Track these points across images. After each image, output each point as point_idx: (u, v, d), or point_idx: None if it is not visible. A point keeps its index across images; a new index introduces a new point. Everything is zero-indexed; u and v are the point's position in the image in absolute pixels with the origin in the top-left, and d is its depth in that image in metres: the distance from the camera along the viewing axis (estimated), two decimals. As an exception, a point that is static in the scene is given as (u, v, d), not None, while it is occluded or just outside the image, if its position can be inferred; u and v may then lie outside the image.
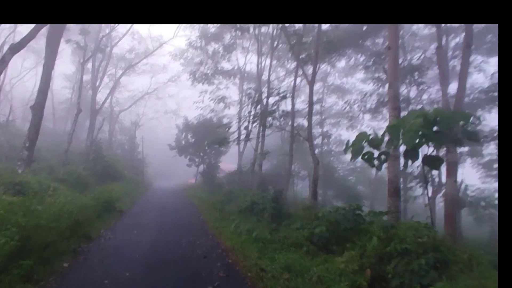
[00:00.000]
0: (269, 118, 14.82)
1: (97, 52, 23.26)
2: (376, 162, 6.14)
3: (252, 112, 16.27)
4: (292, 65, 27.61)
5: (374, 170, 30.00)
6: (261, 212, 11.57)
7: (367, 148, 6.35)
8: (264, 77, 24.56)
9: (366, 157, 6.36)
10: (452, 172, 10.70)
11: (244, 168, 20.95)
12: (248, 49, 27.27)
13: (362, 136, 6.34)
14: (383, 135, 5.85)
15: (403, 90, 18.91)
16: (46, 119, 34.15)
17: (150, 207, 15.02)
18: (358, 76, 28.76)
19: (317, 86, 30.88)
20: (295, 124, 17.13)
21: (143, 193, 22.37)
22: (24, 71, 34.46)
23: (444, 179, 17.66)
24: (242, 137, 19.07)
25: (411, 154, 5.21)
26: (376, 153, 6.38)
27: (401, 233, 5.58)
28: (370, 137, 6.28)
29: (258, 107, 17.79)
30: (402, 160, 9.28)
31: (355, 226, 6.73)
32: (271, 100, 18.41)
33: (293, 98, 15.12)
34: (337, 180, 27.60)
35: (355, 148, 6.30)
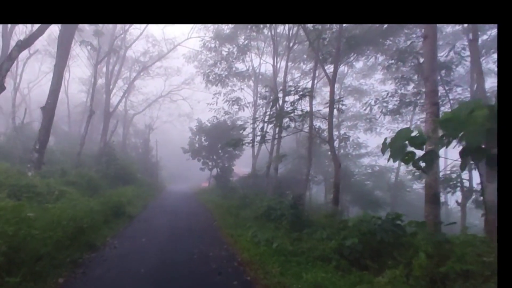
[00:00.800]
0: (286, 119, 13.84)
1: (111, 53, 22.81)
2: (422, 163, 5.09)
3: (268, 113, 15.33)
4: (308, 66, 26.74)
5: (393, 175, 28.80)
6: (279, 219, 10.61)
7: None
8: (279, 78, 23.71)
9: (407, 157, 5.35)
10: (493, 176, 9.52)
11: (259, 172, 19.96)
12: (263, 51, 26.46)
13: (403, 133, 5.31)
14: (434, 130, 4.81)
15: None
16: (62, 122, 34.30)
17: (162, 211, 14.24)
18: (377, 77, 27.71)
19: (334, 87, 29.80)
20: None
21: (155, 196, 21.69)
22: (42, 75, 34.56)
23: (474, 184, 16.37)
24: (257, 139, 18.18)
25: (476, 152, 4.16)
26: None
27: (458, 249, 4.54)
28: (413, 134, 5.27)
29: (274, 108, 16.92)
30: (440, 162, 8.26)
31: (395, 239, 5.68)
32: (288, 100, 17.51)
33: (311, 96, 14.06)
34: (355, 184, 26.29)
35: (395, 147, 5.28)
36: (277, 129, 16.34)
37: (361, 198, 24.79)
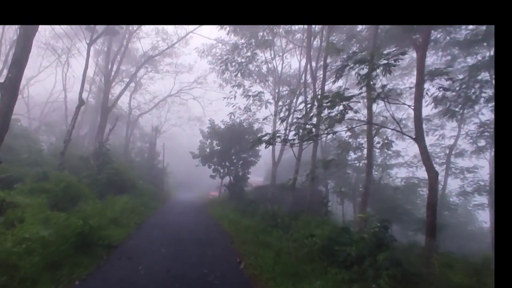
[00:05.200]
0: (339, 108, 8.83)
1: (111, 36, 18.29)
2: None
3: (318, 94, 10.58)
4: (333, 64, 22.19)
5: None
6: (356, 264, 5.79)
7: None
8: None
9: None
10: None
11: (287, 182, 15.01)
12: (285, 47, 22.00)
13: None
14: None
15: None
16: (62, 122, 29.81)
17: (161, 234, 9.37)
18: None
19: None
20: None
21: (157, 209, 16.85)
22: (43, 71, 30.49)
23: None
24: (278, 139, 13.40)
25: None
26: None
27: None
28: None
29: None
30: None
31: None
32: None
33: (370, 76, 8.92)
34: (389, 199, 21.13)
35: None
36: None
37: (393, 217, 19.62)
